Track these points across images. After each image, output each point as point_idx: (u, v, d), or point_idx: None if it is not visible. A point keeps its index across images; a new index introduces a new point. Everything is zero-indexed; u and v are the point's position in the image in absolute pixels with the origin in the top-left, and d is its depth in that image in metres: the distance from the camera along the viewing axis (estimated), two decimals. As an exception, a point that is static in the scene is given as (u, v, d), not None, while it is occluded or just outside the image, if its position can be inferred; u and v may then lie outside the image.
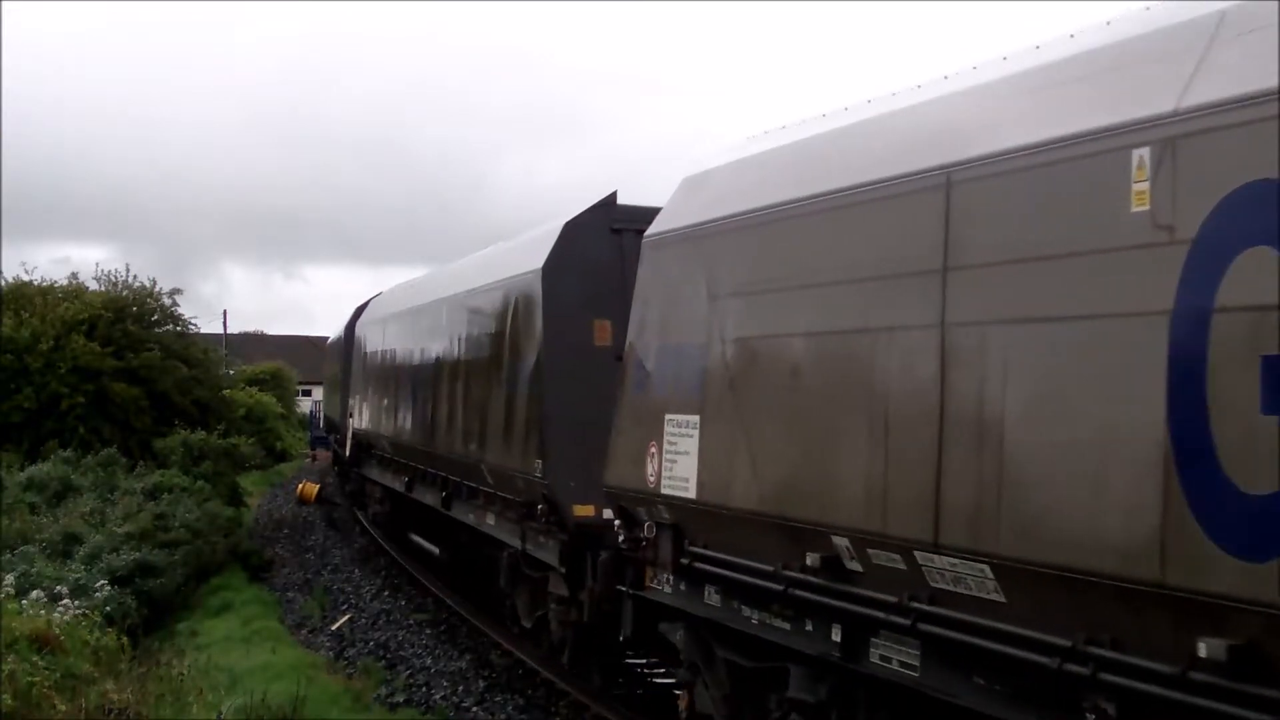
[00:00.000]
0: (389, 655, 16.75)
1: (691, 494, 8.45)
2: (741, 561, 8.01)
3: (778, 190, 7.94)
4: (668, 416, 8.82)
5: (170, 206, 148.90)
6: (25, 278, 33.56)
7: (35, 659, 11.63)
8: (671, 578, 9.16)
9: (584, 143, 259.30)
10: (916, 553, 6.32)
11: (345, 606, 20.48)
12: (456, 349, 16.96)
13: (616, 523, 9.81)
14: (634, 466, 9.27)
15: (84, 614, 14.35)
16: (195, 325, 36.86)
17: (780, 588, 7.48)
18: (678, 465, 8.61)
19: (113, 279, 34.05)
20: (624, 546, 9.76)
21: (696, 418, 8.45)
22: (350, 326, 30.58)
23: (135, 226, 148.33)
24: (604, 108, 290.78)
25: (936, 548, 6.14)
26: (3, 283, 33.17)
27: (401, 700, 14.31)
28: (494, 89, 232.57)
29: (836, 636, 7.22)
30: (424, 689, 14.77)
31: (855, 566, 6.88)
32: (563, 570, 12.53)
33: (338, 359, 34.92)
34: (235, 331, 78.60)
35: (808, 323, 7.39)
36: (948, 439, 6.08)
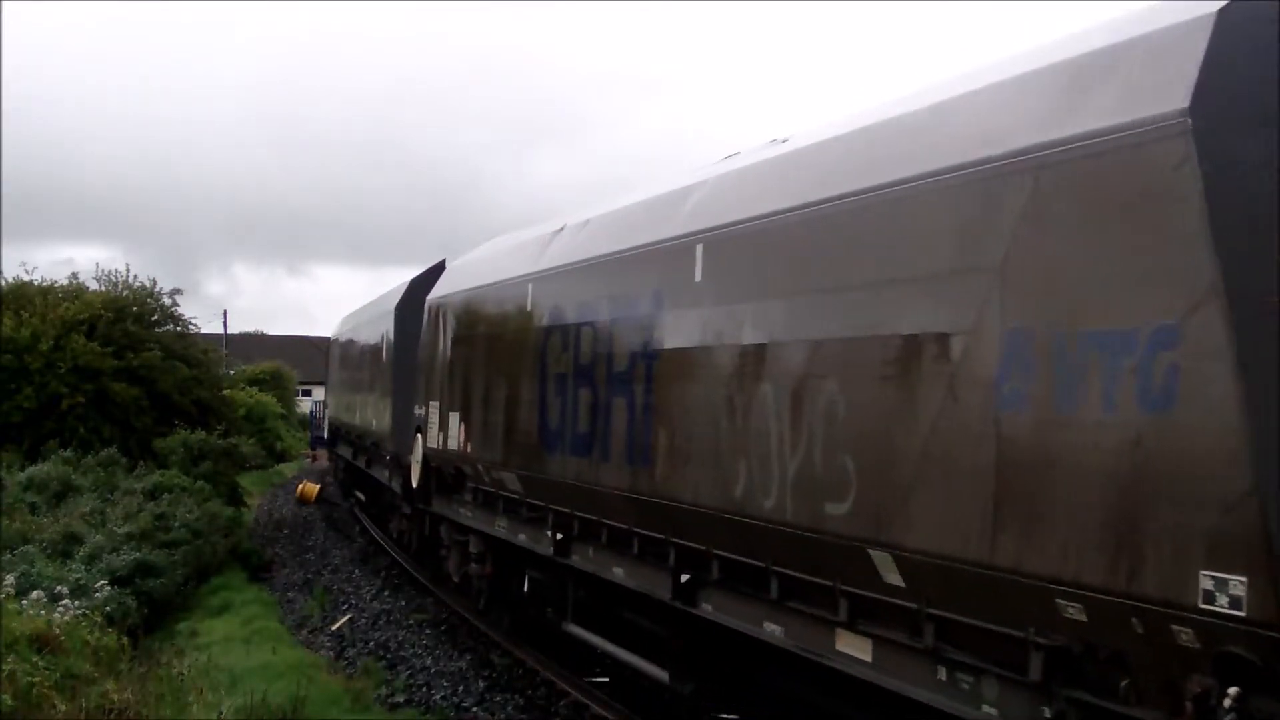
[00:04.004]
0: (389, 655, 16.74)
1: None
2: None
3: None
4: None
5: (174, 206, 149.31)
6: (25, 278, 33.64)
7: (35, 659, 11.65)
8: None
9: (583, 142, 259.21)
10: None
11: (345, 607, 20.47)
12: (753, 322, 8.59)
13: None
14: None
15: (84, 614, 14.36)
16: (195, 325, 36.94)
17: None
18: None
19: (113, 279, 34.14)
20: None
21: None
22: (405, 307, 22.66)
23: (139, 226, 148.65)
24: (603, 107, 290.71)
25: None
26: (3, 283, 33.22)
27: (401, 700, 14.30)
28: (493, 89, 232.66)
29: None
30: (424, 689, 14.77)
31: None
32: None
33: (367, 355, 28.14)
34: (235, 331, 78.83)
35: None
36: None
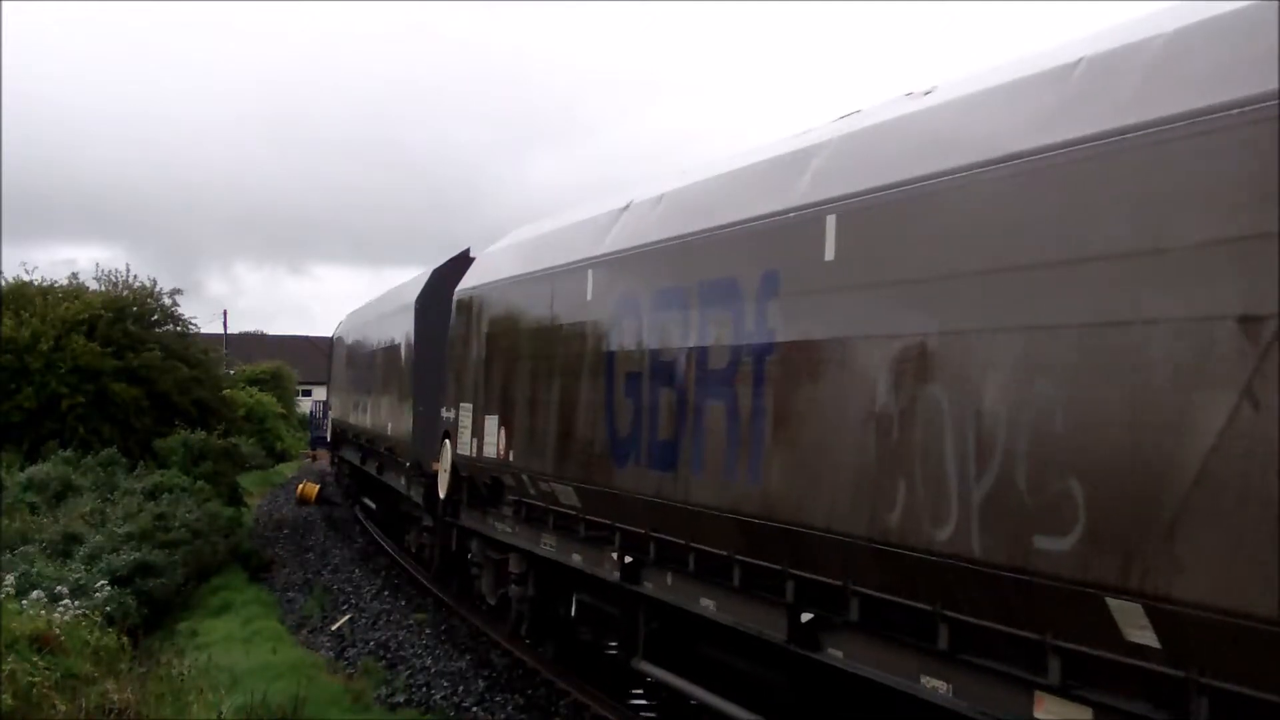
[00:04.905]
0: (389, 655, 16.75)
1: None
2: None
3: None
4: None
5: (175, 205, 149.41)
6: (25, 278, 33.65)
7: (35, 659, 11.66)
8: None
9: (583, 142, 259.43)
10: None
11: (345, 606, 20.48)
12: (917, 308, 6.92)
13: None
14: None
15: (84, 614, 14.37)
16: (195, 325, 36.96)
17: None
18: None
19: (113, 279, 34.14)
20: None
21: None
22: (427, 300, 20.69)
23: (140, 226, 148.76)
24: (603, 107, 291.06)
25: None
26: (3, 283, 33.23)
27: (401, 700, 14.31)
28: (493, 89, 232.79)
29: None
30: (424, 689, 14.77)
31: None
32: None
33: (380, 353, 25.84)
34: (235, 331, 78.88)
35: None
36: None
